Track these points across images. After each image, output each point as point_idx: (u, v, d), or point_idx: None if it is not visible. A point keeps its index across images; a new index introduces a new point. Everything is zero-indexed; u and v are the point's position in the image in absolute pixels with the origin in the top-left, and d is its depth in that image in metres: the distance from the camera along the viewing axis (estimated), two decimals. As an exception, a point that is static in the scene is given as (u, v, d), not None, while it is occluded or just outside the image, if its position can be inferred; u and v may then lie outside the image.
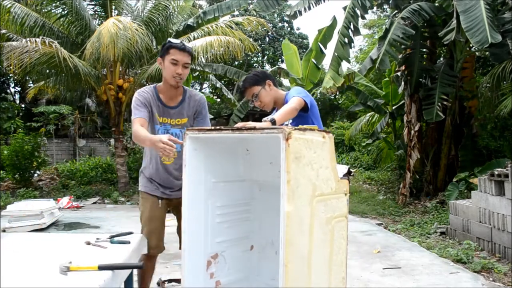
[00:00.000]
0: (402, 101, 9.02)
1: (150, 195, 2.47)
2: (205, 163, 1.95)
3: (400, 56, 7.96)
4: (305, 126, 1.69)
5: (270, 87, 2.53)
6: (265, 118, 2.12)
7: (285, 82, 19.48)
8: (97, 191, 9.65)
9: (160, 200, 2.46)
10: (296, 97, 2.33)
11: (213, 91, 21.15)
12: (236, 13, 14.94)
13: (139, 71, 9.38)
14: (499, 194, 4.47)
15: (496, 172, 4.51)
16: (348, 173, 1.88)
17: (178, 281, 3.25)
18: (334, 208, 1.69)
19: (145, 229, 2.43)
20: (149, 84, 10.55)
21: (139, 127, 2.24)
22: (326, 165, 1.65)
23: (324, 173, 1.64)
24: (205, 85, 22.05)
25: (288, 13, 9.12)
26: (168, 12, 9.60)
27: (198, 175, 1.93)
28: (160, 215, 2.46)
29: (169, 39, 2.48)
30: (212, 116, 14.34)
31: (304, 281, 1.56)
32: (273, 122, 2.08)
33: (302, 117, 2.40)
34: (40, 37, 7.68)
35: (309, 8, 8.54)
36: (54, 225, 6.31)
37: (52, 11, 9.45)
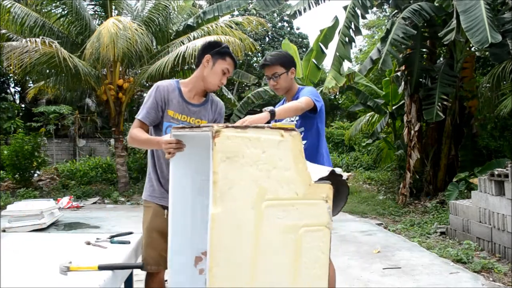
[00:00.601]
0: (402, 101, 9.02)
1: (153, 204, 2.25)
2: (192, 161, 1.89)
3: (400, 56, 7.97)
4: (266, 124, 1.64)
5: (292, 74, 2.51)
6: (265, 108, 2.08)
7: (285, 82, 19.46)
8: (97, 191, 9.66)
9: (165, 210, 2.15)
10: (306, 97, 2.29)
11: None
12: (236, 13, 14.95)
13: (139, 71, 9.39)
14: (499, 194, 4.47)
15: (496, 172, 4.51)
16: (332, 175, 1.66)
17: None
18: (302, 215, 1.53)
19: (143, 242, 2.21)
20: (149, 84, 10.58)
21: (139, 130, 2.16)
22: (285, 166, 1.51)
23: (281, 175, 1.50)
24: (205, 85, 22.03)
25: (288, 12, 9.13)
26: (168, 12, 9.61)
27: (185, 172, 1.88)
28: (162, 227, 2.12)
29: (226, 44, 2.31)
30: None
31: None
32: (272, 113, 2.05)
33: (309, 117, 2.40)
34: (40, 37, 7.69)
35: (309, 8, 8.55)
36: (54, 225, 6.31)
37: (52, 11, 9.46)
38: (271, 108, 2.10)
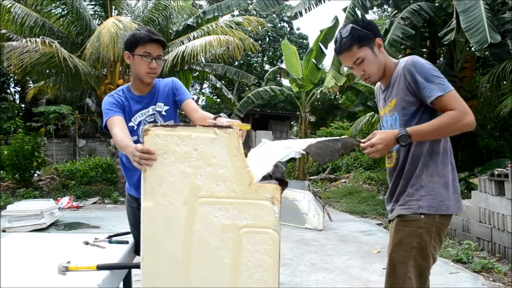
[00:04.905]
0: (402, 101, 9.01)
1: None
2: None
3: (400, 56, 7.96)
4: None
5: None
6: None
7: (285, 82, 19.52)
8: (97, 191, 9.66)
9: None
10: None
11: (213, 91, 21.18)
12: (236, 13, 14.96)
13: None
14: (499, 194, 4.47)
15: (496, 172, 4.50)
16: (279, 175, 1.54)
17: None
18: (242, 215, 1.49)
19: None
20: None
21: None
22: (220, 164, 1.50)
23: (216, 173, 1.50)
24: (205, 85, 22.09)
25: (288, 14, 9.14)
26: (168, 12, 9.61)
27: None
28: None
29: None
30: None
31: (176, 282, 1.50)
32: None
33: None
34: (40, 37, 7.69)
35: (310, 9, 8.56)
36: (54, 225, 6.31)
37: (52, 11, 9.47)
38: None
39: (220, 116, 1.89)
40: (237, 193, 1.50)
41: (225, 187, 1.50)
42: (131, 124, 2.12)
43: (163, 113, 2.17)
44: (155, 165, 1.50)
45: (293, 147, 1.57)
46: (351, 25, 1.79)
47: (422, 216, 1.70)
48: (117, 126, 1.97)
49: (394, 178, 1.83)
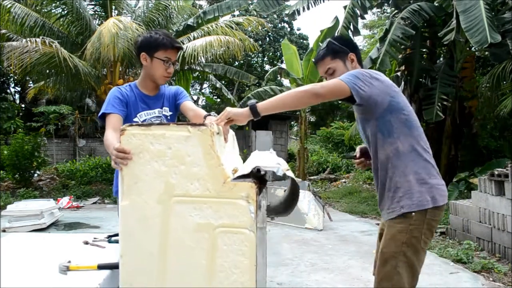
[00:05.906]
0: (402, 101, 9.01)
1: None
2: None
3: (400, 56, 7.97)
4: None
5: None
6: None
7: (285, 82, 19.52)
8: (97, 191, 9.65)
9: None
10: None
11: (213, 91, 21.19)
12: (237, 13, 14.96)
13: (139, 71, 9.38)
14: (499, 194, 4.47)
15: (496, 172, 4.50)
16: (255, 174, 1.45)
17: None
18: (217, 215, 1.46)
19: None
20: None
21: None
22: (194, 162, 1.48)
23: (190, 171, 1.48)
24: (205, 85, 22.09)
25: (286, 12, 9.13)
26: (168, 12, 9.62)
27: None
28: None
29: None
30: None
31: (152, 281, 1.50)
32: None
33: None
34: (40, 37, 7.70)
35: (308, 8, 8.55)
36: (54, 225, 6.30)
37: (52, 11, 9.48)
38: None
39: (210, 115, 1.89)
40: (211, 191, 1.47)
41: (199, 186, 1.48)
42: (136, 119, 2.15)
43: (169, 117, 2.24)
44: (131, 164, 1.50)
45: (282, 166, 1.58)
46: (329, 39, 1.98)
47: (413, 213, 1.74)
48: (112, 127, 1.98)
49: (375, 182, 1.95)
